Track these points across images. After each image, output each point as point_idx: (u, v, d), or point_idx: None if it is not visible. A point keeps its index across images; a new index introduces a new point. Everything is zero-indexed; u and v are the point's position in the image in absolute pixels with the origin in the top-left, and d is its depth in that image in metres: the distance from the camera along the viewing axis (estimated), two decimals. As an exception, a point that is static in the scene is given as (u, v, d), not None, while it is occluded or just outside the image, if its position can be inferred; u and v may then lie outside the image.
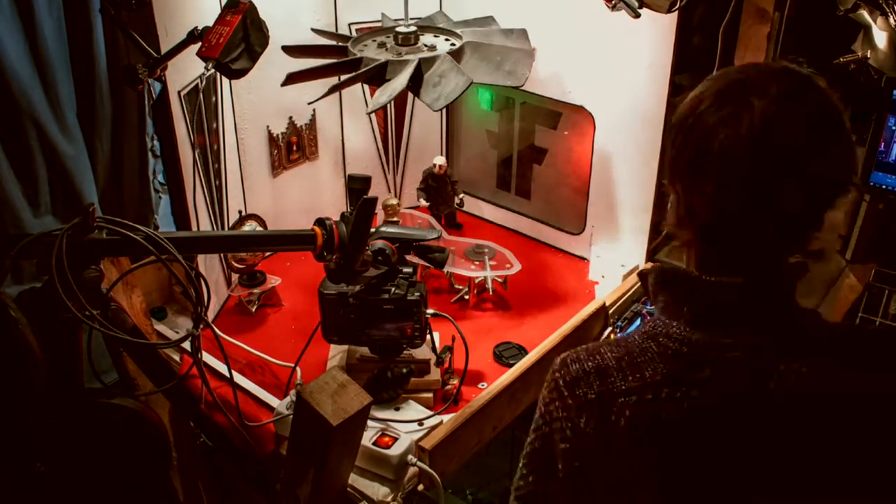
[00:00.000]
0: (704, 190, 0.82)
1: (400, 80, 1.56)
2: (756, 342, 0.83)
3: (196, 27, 1.49)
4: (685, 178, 0.85)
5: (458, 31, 1.76)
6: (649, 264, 1.97)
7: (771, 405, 0.82)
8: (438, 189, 2.12)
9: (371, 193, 1.35)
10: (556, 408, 0.89)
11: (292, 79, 1.58)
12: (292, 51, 1.72)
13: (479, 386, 1.64)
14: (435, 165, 2.07)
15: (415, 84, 1.59)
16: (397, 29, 1.71)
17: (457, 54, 1.65)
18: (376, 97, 1.58)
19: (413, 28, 1.71)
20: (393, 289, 1.49)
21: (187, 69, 1.61)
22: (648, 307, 1.88)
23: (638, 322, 1.87)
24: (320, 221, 1.32)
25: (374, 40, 1.76)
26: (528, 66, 1.65)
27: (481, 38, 1.74)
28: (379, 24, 1.98)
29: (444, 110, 2.25)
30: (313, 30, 1.87)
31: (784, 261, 0.85)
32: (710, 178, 0.82)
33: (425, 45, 1.71)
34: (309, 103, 1.66)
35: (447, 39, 1.75)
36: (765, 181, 0.79)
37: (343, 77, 1.62)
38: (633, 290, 1.90)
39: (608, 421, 0.85)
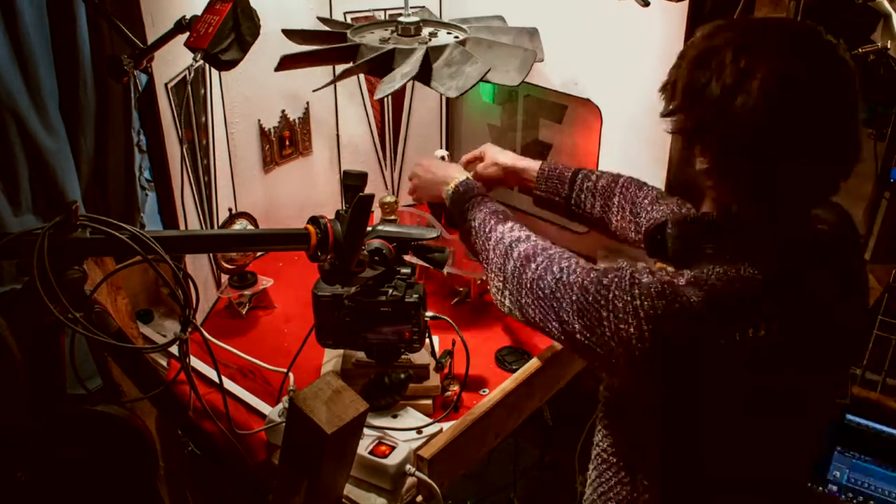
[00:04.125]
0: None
1: (410, 66, 1.56)
2: None
3: (184, 16, 1.49)
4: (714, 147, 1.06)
5: (461, 24, 1.77)
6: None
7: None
8: (438, 186, 2.11)
9: (367, 190, 1.35)
10: None
11: (285, 63, 1.57)
12: (294, 35, 1.73)
13: (481, 392, 1.64)
14: (437, 157, 2.07)
15: (423, 74, 1.60)
16: (399, 19, 1.71)
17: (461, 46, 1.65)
18: (385, 83, 1.57)
19: (416, 18, 1.71)
20: (390, 290, 1.49)
21: (175, 60, 1.61)
22: None
23: None
24: (314, 220, 1.32)
25: (373, 31, 1.76)
26: (527, 65, 1.65)
27: (485, 34, 1.74)
28: (375, 15, 1.98)
29: (444, 104, 2.26)
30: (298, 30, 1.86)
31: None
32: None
33: (427, 37, 1.71)
34: (314, 90, 1.66)
35: (449, 33, 1.75)
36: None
37: (340, 66, 1.62)
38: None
39: None
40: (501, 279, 1.33)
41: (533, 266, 1.25)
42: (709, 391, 1.04)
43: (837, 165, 1.04)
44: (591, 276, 1.13)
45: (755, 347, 0.99)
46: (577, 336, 1.12)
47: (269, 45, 1.70)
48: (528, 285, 1.24)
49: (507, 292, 1.31)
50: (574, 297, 1.13)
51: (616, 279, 1.07)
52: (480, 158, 1.79)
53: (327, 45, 1.70)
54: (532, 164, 1.73)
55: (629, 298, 1.03)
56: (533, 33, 1.80)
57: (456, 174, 1.62)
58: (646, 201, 1.55)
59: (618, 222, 1.60)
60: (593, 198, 1.63)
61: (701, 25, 1.08)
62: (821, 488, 2.03)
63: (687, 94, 1.06)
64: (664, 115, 1.12)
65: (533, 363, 1.64)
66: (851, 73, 1.00)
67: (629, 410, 1.18)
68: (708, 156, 1.06)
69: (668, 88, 1.11)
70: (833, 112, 1.00)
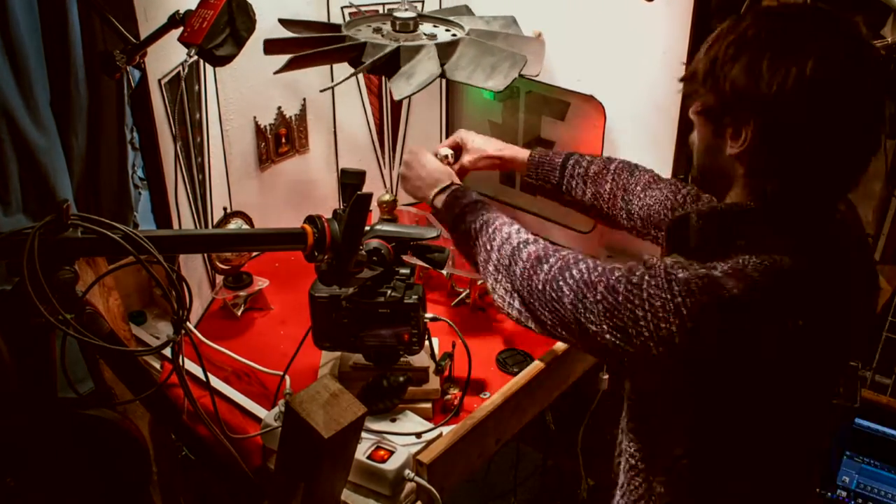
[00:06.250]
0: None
1: (432, 67, 1.56)
2: None
3: (178, 11, 1.49)
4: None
5: (461, 22, 1.76)
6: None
7: None
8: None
9: (366, 189, 1.35)
10: None
11: (293, 64, 1.56)
12: (273, 46, 1.66)
13: (482, 395, 1.63)
14: (441, 156, 2.06)
15: (390, 69, 1.60)
16: (396, 14, 1.70)
17: (449, 47, 1.64)
18: (403, 85, 1.56)
19: (413, 14, 1.71)
20: (389, 291, 1.49)
21: (168, 56, 1.61)
22: None
23: None
24: (311, 219, 1.32)
25: (369, 25, 1.76)
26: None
27: (485, 36, 1.74)
28: (373, 9, 1.98)
29: (444, 101, 2.25)
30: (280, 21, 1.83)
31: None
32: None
33: (425, 34, 1.71)
34: (321, 90, 1.64)
35: (448, 30, 1.74)
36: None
37: (337, 66, 1.62)
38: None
39: None
40: (509, 282, 1.28)
41: (546, 267, 1.21)
42: (740, 384, 1.05)
43: (864, 155, 1.07)
44: (616, 274, 1.10)
45: (789, 339, 1.01)
46: (606, 337, 1.08)
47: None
48: (541, 287, 1.21)
49: (515, 296, 1.27)
50: (599, 297, 1.09)
51: (648, 277, 1.05)
52: (459, 147, 1.78)
53: (326, 44, 1.69)
54: (520, 153, 1.75)
55: (669, 296, 1.01)
56: (517, 61, 1.67)
57: (446, 178, 1.60)
58: (637, 187, 1.60)
59: (609, 209, 1.64)
60: (584, 185, 1.66)
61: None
62: (829, 494, 2.03)
63: (723, 74, 1.06)
64: (687, 92, 1.14)
65: (535, 366, 1.64)
66: (880, 61, 1.05)
67: (658, 410, 1.17)
68: (742, 139, 1.06)
69: (703, 65, 1.09)
70: (865, 100, 1.03)
